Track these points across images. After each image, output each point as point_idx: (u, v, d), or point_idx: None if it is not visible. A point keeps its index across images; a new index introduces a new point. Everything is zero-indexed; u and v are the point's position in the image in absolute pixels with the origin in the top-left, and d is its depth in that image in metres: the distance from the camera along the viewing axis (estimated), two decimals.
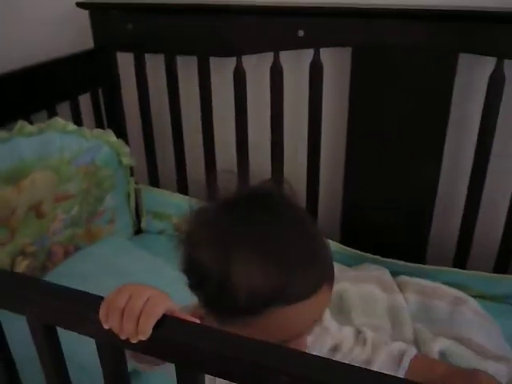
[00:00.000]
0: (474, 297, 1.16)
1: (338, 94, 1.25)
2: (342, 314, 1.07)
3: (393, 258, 1.27)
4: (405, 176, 1.23)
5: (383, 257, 1.28)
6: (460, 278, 1.23)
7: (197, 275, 0.60)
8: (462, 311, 1.06)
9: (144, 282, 1.14)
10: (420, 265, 1.26)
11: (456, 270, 1.25)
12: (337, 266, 1.21)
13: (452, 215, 1.28)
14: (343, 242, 1.33)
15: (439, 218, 1.28)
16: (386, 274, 1.20)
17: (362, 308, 1.08)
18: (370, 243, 1.30)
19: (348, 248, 1.30)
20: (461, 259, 1.27)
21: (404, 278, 1.19)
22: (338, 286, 1.09)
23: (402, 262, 1.27)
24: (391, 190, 1.26)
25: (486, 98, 1.11)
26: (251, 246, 0.56)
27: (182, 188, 1.47)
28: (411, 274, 1.26)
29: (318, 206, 1.37)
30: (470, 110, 1.18)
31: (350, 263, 1.30)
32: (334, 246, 1.30)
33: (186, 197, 1.45)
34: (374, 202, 1.29)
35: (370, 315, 1.07)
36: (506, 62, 1.07)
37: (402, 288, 1.16)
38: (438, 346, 0.97)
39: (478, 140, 1.15)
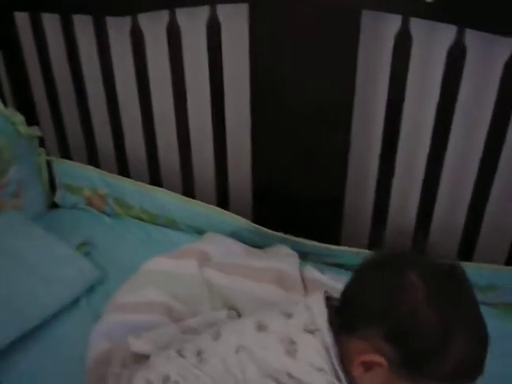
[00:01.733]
0: None
1: (239, 55, 1.13)
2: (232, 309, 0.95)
3: (306, 236, 1.18)
4: (313, 145, 1.12)
5: (296, 235, 1.19)
6: None
7: (412, 340, 0.62)
8: None
9: (29, 259, 1.09)
10: (330, 245, 1.16)
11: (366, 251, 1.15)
12: (245, 247, 1.15)
13: (365, 190, 1.17)
14: (256, 220, 1.24)
15: (352, 193, 1.18)
16: (293, 265, 1.06)
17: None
18: (283, 221, 1.21)
19: (259, 227, 1.21)
20: (375, 238, 1.17)
21: (310, 273, 1.05)
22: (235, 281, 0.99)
23: (312, 243, 1.17)
24: (300, 161, 1.16)
25: (393, 59, 0.99)
26: (468, 324, 0.63)
27: (93, 160, 1.38)
28: (322, 255, 1.17)
29: (228, 182, 1.27)
30: (377, 72, 1.06)
31: (261, 242, 1.20)
32: (244, 224, 1.21)
33: (97, 169, 1.36)
34: (284, 176, 1.19)
35: None
36: (413, 20, 0.95)
37: (306, 284, 1.02)
38: None
39: (388, 103, 1.03)
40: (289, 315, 0.71)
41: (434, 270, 0.65)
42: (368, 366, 0.64)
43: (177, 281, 1.00)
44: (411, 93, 1.02)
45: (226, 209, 1.25)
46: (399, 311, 0.62)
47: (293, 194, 1.19)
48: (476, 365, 0.63)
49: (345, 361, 0.66)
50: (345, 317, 0.68)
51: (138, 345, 0.82)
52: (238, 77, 1.15)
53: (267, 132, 1.15)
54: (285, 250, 1.12)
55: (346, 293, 0.71)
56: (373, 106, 1.10)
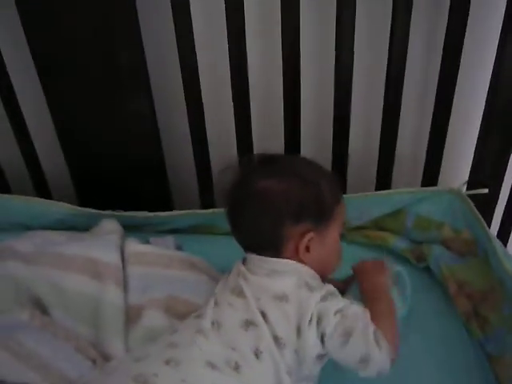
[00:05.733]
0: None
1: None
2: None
3: (138, 208, 1.13)
4: (115, 113, 1.07)
5: (127, 210, 1.14)
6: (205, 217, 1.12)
7: (301, 205, 0.75)
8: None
9: None
10: (159, 213, 1.12)
11: (201, 211, 1.13)
12: (68, 234, 1.07)
13: (185, 152, 1.14)
14: (83, 204, 1.17)
15: (171, 156, 1.14)
16: (110, 246, 0.95)
17: (64, 307, 0.86)
18: (112, 200, 1.15)
19: (82, 208, 1.13)
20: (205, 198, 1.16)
21: (131, 247, 0.97)
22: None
23: (141, 213, 1.12)
24: (109, 131, 1.10)
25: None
26: (319, 174, 0.80)
27: None
28: (154, 224, 1.13)
29: (42, 170, 1.18)
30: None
31: (92, 225, 1.13)
32: (67, 209, 1.12)
33: None
34: (97, 150, 1.12)
35: (73, 317, 0.85)
36: None
37: (129, 260, 0.94)
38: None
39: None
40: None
41: (268, 163, 0.80)
42: (307, 248, 0.76)
43: None
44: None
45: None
46: (284, 202, 0.74)
47: (113, 170, 1.14)
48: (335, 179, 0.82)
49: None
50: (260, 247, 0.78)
51: None
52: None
53: (65, 107, 1.08)
54: (110, 225, 1.05)
55: (239, 231, 0.81)
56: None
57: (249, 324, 0.71)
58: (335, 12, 0.94)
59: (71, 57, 1.02)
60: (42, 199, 1.15)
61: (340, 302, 0.74)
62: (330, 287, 0.76)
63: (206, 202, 1.16)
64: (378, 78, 1.04)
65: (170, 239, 1.05)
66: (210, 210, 1.11)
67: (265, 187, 0.75)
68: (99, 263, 0.89)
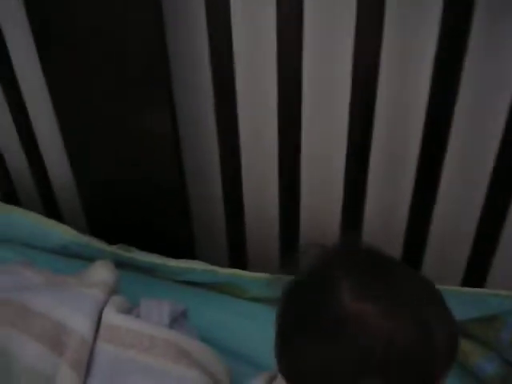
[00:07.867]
0: None
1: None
2: None
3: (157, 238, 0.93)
4: (135, 140, 0.86)
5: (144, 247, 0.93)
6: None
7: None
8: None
9: None
10: (168, 260, 0.89)
11: (222, 270, 0.87)
12: (51, 276, 0.83)
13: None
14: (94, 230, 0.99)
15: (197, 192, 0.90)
16: (86, 308, 0.71)
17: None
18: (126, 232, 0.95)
19: (91, 239, 0.93)
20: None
21: (106, 314, 0.71)
22: None
23: (150, 257, 0.91)
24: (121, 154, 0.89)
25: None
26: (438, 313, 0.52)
27: None
28: (168, 272, 0.91)
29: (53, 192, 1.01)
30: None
31: (95, 256, 0.90)
32: (74, 237, 0.92)
33: None
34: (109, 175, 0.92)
35: None
36: None
37: (101, 334, 0.70)
38: None
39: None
40: None
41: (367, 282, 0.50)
42: None
43: None
44: None
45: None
46: (381, 349, 0.47)
47: (125, 198, 0.93)
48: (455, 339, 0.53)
49: None
50: None
51: None
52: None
53: (77, 133, 0.90)
54: (102, 271, 0.80)
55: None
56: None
57: None
58: None
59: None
60: (42, 217, 0.96)
61: None
62: None
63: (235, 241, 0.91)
64: None
65: (166, 306, 0.76)
66: (232, 271, 0.85)
67: (362, 313, 0.47)
68: (63, 329, 0.68)
